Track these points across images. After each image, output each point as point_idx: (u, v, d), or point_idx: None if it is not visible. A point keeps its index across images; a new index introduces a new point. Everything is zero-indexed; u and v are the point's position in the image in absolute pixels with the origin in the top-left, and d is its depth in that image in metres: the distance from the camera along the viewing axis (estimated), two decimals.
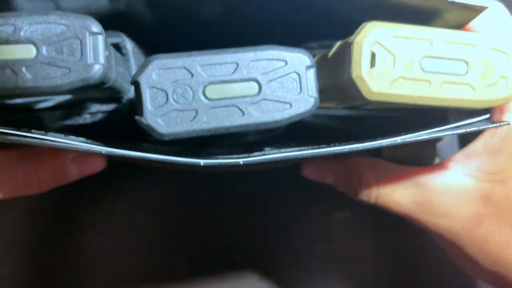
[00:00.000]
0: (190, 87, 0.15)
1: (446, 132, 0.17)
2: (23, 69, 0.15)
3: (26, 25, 0.15)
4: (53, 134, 0.18)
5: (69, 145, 0.16)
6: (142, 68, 0.15)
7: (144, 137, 0.20)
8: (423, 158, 0.25)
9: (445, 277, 0.33)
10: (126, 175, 0.33)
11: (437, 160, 0.25)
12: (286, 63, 0.16)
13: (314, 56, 0.20)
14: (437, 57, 0.16)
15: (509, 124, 0.18)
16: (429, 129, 0.18)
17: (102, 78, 0.15)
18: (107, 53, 0.16)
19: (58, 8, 0.18)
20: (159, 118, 0.15)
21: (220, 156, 0.17)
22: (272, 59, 0.16)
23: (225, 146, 0.23)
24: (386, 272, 0.34)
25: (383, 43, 0.15)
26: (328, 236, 0.33)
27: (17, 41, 0.15)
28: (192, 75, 0.15)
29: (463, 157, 0.21)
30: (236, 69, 0.16)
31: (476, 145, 0.21)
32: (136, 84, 0.15)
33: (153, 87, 0.15)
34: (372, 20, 0.16)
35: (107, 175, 0.28)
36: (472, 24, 0.19)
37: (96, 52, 0.15)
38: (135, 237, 0.33)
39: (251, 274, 0.33)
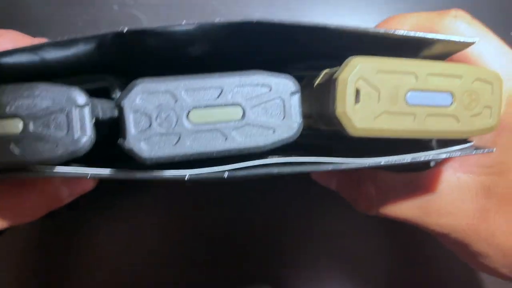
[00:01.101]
0: (174, 112, 0.15)
1: (430, 156, 0.17)
2: (11, 145, 0.15)
3: (11, 100, 0.15)
4: None
5: (55, 173, 0.16)
6: (126, 92, 0.15)
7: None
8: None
9: (451, 276, 0.34)
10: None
11: (432, 163, 0.25)
12: (271, 89, 0.16)
13: (302, 77, 0.20)
14: (422, 90, 0.16)
15: (493, 151, 0.18)
16: (414, 149, 0.19)
17: (90, 147, 0.15)
18: (94, 122, 0.16)
19: (43, 60, 0.17)
20: (142, 142, 0.15)
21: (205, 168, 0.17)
22: (257, 85, 0.16)
23: (213, 163, 0.23)
24: (392, 271, 0.34)
25: (368, 79, 0.15)
26: (334, 235, 0.34)
27: (3, 117, 0.15)
28: (176, 99, 0.15)
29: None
30: (220, 94, 0.16)
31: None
32: (119, 108, 0.15)
33: (137, 111, 0.15)
34: (358, 50, 0.16)
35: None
36: (457, 54, 0.19)
37: (83, 125, 0.15)
38: (137, 239, 0.33)
39: (254, 274, 0.33)
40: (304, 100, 0.17)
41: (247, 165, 0.16)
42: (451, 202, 0.21)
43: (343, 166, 0.17)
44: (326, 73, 0.17)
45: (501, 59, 0.20)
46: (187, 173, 0.16)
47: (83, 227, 0.33)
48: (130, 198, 0.33)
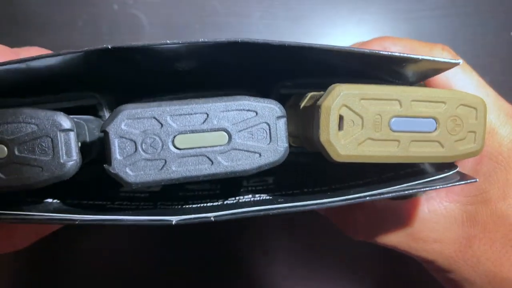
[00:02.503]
0: (159, 137, 0.15)
1: (414, 189, 0.17)
2: None
3: None
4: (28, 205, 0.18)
5: (42, 218, 0.16)
6: (111, 118, 0.15)
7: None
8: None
9: None
10: None
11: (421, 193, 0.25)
12: (257, 113, 0.16)
13: (289, 96, 0.20)
14: (406, 116, 0.16)
15: (477, 181, 0.18)
16: (400, 178, 0.19)
17: (76, 171, 0.15)
18: (79, 146, 0.16)
19: (28, 68, 0.17)
20: (127, 167, 0.15)
21: (193, 206, 0.17)
22: (243, 110, 0.16)
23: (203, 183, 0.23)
24: (388, 270, 0.35)
25: (351, 106, 0.15)
26: (329, 234, 0.34)
27: None
28: (162, 125, 0.15)
29: None
30: (206, 119, 0.16)
31: None
32: (105, 133, 0.15)
33: (122, 137, 0.15)
34: (344, 69, 0.16)
35: None
36: (441, 80, 0.19)
37: (68, 149, 0.15)
38: (134, 242, 0.34)
39: (251, 273, 0.34)
40: (290, 120, 0.17)
41: (234, 212, 0.16)
42: (438, 230, 0.22)
43: (328, 205, 0.17)
44: (311, 96, 0.17)
45: (481, 92, 0.21)
46: (173, 219, 0.16)
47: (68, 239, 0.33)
48: None
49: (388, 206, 0.22)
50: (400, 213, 0.22)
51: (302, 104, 0.18)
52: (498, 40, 0.36)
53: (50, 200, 0.19)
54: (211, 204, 0.19)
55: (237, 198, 0.20)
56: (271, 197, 0.19)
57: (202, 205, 0.19)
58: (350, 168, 0.22)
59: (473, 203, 0.21)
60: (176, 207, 0.19)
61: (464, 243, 0.22)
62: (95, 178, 0.23)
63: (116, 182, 0.18)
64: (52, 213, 0.17)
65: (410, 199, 0.22)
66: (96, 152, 0.19)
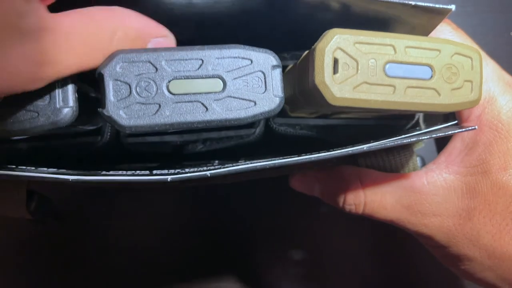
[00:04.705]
0: (154, 81, 0.15)
1: (412, 138, 0.17)
2: None
3: None
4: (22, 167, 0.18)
5: (35, 176, 0.16)
6: (107, 60, 0.15)
7: (120, 158, 0.19)
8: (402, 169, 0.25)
9: (439, 275, 0.33)
10: None
11: (420, 164, 0.25)
12: (252, 61, 0.16)
13: (286, 67, 0.20)
14: (401, 62, 0.16)
15: (475, 129, 0.18)
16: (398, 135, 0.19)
17: (72, 120, 0.15)
18: (76, 96, 0.16)
19: None
20: (121, 110, 0.15)
21: (188, 169, 0.17)
22: (238, 57, 0.16)
23: (199, 158, 0.23)
24: (382, 270, 0.34)
25: (346, 49, 0.15)
26: (324, 234, 0.34)
27: None
28: (157, 69, 0.15)
29: (445, 157, 0.22)
30: (201, 65, 0.16)
31: (454, 143, 0.21)
32: (100, 76, 0.15)
33: (117, 80, 0.15)
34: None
35: None
36: (436, 32, 0.19)
37: (65, 96, 0.15)
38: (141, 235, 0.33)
39: (244, 272, 0.33)
40: (287, 86, 0.17)
41: (230, 169, 0.16)
42: (437, 203, 0.21)
43: (325, 157, 0.16)
44: (307, 53, 0.18)
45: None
46: (169, 177, 0.16)
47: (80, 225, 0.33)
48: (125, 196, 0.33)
49: (387, 178, 0.22)
50: (398, 185, 0.21)
51: (298, 61, 0.18)
52: (498, 40, 0.36)
53: (45, 168, 0.19)
54: (208, 168, 0.19)
55: (235, 165, 0.20)
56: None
57: (199, 169, 0.19)
58: (349, 135, 0.22)
59: (473, 174, 0.21)
60: (173, 172, 0.19)
61: (463, 216, 0.21)
62: (92, 153, 0.23)
63: (113, 155, 0.18)
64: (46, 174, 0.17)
65: (408, 173, 0.22)
66: (94, 118, 0.19)
